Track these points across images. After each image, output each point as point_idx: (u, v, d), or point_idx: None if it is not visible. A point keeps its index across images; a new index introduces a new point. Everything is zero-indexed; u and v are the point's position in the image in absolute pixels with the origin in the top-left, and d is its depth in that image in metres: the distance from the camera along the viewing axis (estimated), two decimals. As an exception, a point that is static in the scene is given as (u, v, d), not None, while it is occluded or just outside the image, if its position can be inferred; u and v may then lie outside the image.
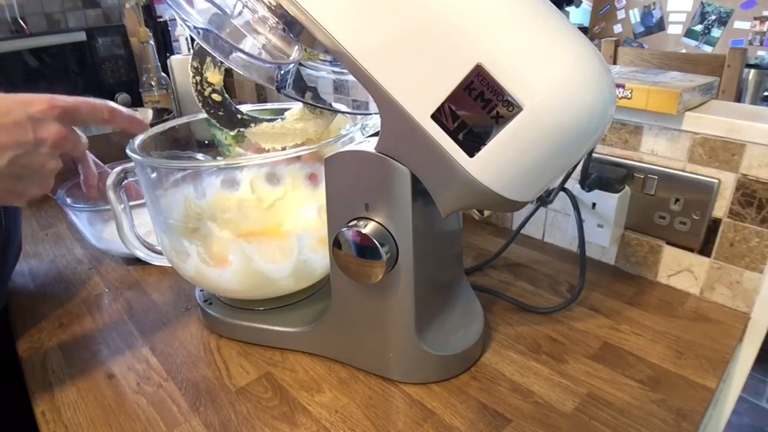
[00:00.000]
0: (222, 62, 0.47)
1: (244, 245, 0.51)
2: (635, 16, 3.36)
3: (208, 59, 0.48)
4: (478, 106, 0.35)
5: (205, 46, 0.41)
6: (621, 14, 3.42)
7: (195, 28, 0.40)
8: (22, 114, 0.41)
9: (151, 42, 1.15)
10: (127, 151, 0.51)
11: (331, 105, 0.51)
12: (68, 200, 0.69)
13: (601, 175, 0.64)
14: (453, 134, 0.37)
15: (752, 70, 2.37)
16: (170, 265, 0.58)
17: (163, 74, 1.17)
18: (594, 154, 0.64)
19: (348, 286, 0.48)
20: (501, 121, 0.35)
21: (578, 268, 0.62)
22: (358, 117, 0.56)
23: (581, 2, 3.65)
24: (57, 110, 0.43)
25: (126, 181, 0.54)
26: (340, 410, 0.48)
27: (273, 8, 0.41)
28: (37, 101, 0.42)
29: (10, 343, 0.60)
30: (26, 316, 0.64)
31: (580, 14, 3.71)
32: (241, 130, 0.51)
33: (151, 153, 0.56)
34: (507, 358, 0.54)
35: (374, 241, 0.43)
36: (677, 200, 0.62)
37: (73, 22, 1.42)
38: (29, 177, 0.44)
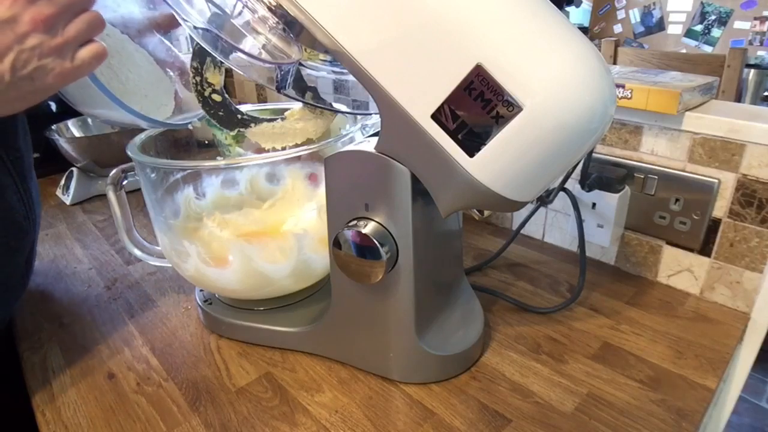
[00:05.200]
0: (222, 62, 0.47)
1: (244, 245, 0.51)
2: (635, 16, 3.36)
3: (208, 59, 0.48)
4: (478, 106, 0.35)
5: (205, 46, 0.41)
6: (621, 14, 3.42)
7: (195, 28, 0.40)
8: None
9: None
10: (127, 151, 0.51)
11: (331, 105, 0.51)
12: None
13: (601, 175, 0.64)
14: (453, 134, 0.37)
15: (752, 70, 2.37)
16: (170, 265, 0.58)
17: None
18: (594, 154, 0.64)
19: (348, 286, 0.48)
20: (501, 121, 0.35)
21: (578, 268, 0.62)
22: (358, 117, 0.56)
23: (581, 2, 3.65)
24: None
25: None
26: (340, 410, 0.48)
27: (273, 8, 0.41)
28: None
29: (11, 343, 0.60)
30: (26, 315, 0.64)
31: (580, 14, 3.71)
32: (241, 130, 0.51)
33: (151, 153, 0.56)
34: (507, 358, 0.54)
35: (374, 241, 0.43)
36: (677, 200, 0.62)
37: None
38: (37, 72, 0.40)
